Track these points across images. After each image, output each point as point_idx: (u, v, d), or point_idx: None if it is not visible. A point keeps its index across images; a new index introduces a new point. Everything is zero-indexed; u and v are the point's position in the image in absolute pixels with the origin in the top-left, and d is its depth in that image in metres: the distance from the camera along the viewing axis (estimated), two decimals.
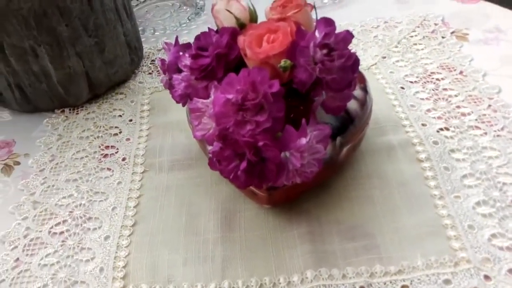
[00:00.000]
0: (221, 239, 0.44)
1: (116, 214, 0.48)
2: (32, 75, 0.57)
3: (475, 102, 0.55)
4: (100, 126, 0.59)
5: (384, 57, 0.64)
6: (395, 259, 0.41)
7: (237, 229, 0.45)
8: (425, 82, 0.59)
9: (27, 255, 0.45)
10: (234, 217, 0.46)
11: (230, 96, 0.36)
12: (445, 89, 0.57)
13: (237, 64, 0.40)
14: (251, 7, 0.44)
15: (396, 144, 0.51)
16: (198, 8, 0.78)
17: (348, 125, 0.44)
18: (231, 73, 0.37)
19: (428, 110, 0.55)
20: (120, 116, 0.60)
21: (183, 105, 0.44)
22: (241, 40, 0.40)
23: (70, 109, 0.62)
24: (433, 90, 0.57)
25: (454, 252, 0.41)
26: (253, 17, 0.44)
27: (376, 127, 0.53)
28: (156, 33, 0.74)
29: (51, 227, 0.47)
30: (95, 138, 0.57)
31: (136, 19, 0.75)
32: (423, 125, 0.53)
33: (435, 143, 0.50)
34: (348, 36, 0.38)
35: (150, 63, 0.69)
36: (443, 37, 0.66)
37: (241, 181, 0.37)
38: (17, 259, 0.45)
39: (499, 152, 0.49)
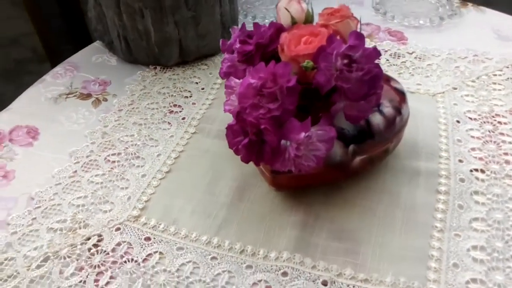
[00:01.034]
0: (229, 204, 0.50)
1: (159, 159, 0.56)
2: (136, 31, 0.68)
3: None
4: (177, 87, 0.68)
5: (455, 88, 0.63)
6: (367, 269, 0.43)
7: (245, 200, 0.50)
8: (484, 122, 0.57)
9: (83, 170, 0.55)
10: (247, 190, 0.51)
11: (252, 81, 0.42)
12: (501, 134, 0.56)
13: (274, 56, 0.45)
14: (310, 10, 0.49)
15: (422, 171, 0.52)
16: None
17: (366, 137, 0.47)
18: (262, 62, 0.43)
19: (473, 149, 0.54)
20: (197, 83, 0.69)
21: None
22: (283, 36, 0.45)
23: (161, 68, 0.72)
24: (488, 131, 0.56)
25: (426, 281, 0.42)
26: (308, 19, 0.48)
27: (412, 150, 0.54)
28: (255, 20, 0.81)
29: (108, 155, 0.57)
30: (169, 96, 0.66)
31: (241, 5, 0.83)
32: (460, 161, 0.53)
33: (462, 180, 0.50)
34: (373, 53, 0.41)
35: None
36: None
37: (241, 154, 0.42)
38: (75, 171, 0.55)
39: None
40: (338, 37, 0.43)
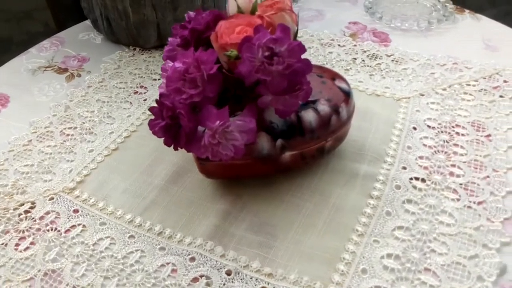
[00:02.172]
0: (162, 187, 0.51)
1: (110, 137, 0.57)
2: (116, 11, 0.70)
3: (475, 167, 0.51)
4: (149, 69, 0.69)
5: (423, 95, 0.61)
6: (275, 264, 0.43)
7: (179, 185, 0.51)
8: (441, 132, 0.55)
9: (37, 140, 0.57)
10: (183, 176, 0.52)
11: (178, 65, 0.42)
12: (455, 145, 0.54)
13: (209, 43, 0.45)
14: (257, 0, 0.48)
15: (361, 174, 0.51)
16: None
17: (295, 134, 0.46)
18: (191, 47, 0.43)
19: (420, 157, 0.52)
20: None
21: None
22: (220, 24, 0.45)
23: (140, 49, 0.73)
24: (443, 141, 0.54)
25: (328, 283, 0.41)
26: (253, 10, 0.48)
27: (358, 152, 0.53)
28: None
29: (64, 128, 0.59)
30: (138, 77, 0.67)
31: None
32: (403, 168, 0.51)
33: (397, 187, 0.49)
34: (297, 48, 0.40)
35: None
36: (501, 96, 0.60)
37: (158, 136, 0.43)
38: (30, 140, 0.57)
39: (455, 222, 0.45)
40: (269, 30, 0.43)
